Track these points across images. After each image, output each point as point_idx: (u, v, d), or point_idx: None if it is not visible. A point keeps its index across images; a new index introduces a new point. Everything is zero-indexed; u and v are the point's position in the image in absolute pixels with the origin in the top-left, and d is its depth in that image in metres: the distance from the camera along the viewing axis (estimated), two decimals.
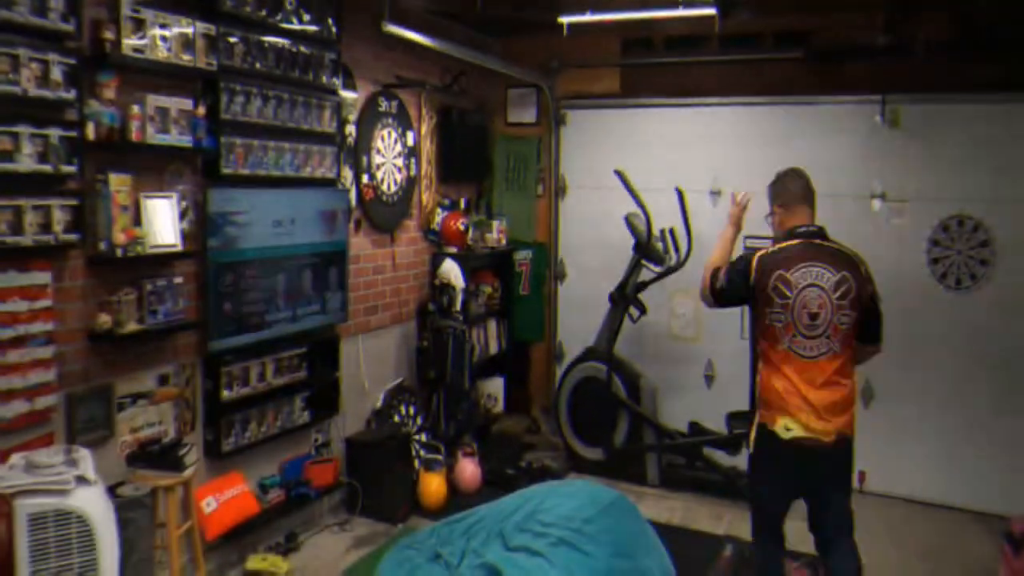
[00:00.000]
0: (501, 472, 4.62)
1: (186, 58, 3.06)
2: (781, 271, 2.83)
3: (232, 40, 3.32)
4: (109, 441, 2.97)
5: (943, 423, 4.51)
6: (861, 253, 2.96)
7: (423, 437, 4.62)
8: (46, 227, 2.65)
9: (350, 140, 4.20)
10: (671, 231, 4.73)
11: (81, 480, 2.39)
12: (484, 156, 5.50)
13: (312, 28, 3.75)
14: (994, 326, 4.39)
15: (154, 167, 3.10)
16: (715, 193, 4.98)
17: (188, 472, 2.94)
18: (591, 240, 5.37)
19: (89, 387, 2.89)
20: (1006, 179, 4.34)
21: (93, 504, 2.38)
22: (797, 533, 4.02)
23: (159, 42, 2.94)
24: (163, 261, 3.10)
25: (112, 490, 2.77)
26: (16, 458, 2.45)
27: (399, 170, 4.59)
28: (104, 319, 2.87)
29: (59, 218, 2.68)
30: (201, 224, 3.27)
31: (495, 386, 5.32)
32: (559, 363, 5.51)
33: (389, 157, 4.51)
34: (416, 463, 4.37)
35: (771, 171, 4.94)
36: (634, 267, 4.74)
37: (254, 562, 3.51)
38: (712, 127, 4.98)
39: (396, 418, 4.48)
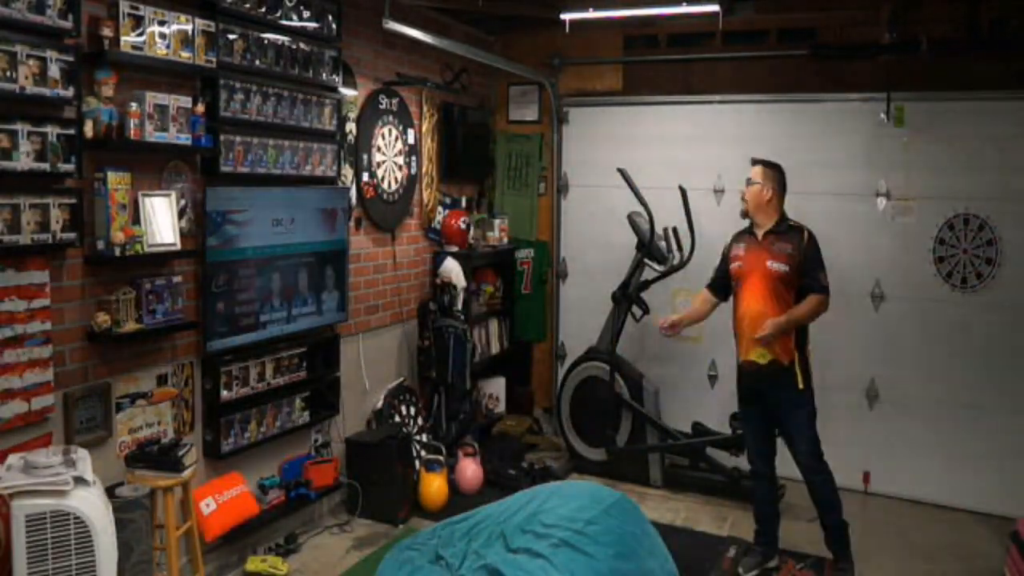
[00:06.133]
0: (502, 473, 4.59)
1: (185, 55, 3.04)
2: None
3: (231, 37, 3.30)
4: (107, 441, 2.95)
5: (948, 424, 4.48)
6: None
7: (424, 437, 4.60)
8: (44, 226, 2.63)
9: (350, 138, 4.18)
10: (674, 230, 4.70)
11: (79, 481, 2.38)
12: (485, 154, 5.48)
13: (312, 25, 3.72)
14: (1000, 325, 4.36)
15: (152, 165, 3.08)
16: (719, 191, 4.95)
17: (187, 473, 2.92)
18: (593, 239, 5.35)
19: (87, 387, 2.88)
20: (1012, 178, 4.31)
21: (91, 505, 2.37)
22: (799, 532, 4.01)
23: (158, 39, 2.92)
24: (161, 260, 3.08)
25: (110, 491, 2.75)
26: (14, 459, 2.44)
27: (400, 168, 4.57)
28: (102, 319, 2.85)
29: (57, 217, 2.66)
30: (200, 223, 3.25)
31: (496, 386, 5.31)
32: (561, 363, 5.49)
33: (390, 155, 4.48)
34: (417, 463, 4.35)
35: None
36: (637, 266, 4.71)
37: (254, 563, 3.49)
38: (715, 125, 4.95)
39: (396, 418, 4.46)
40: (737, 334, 3.60)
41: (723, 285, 3.74)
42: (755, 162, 3.64)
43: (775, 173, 3.57)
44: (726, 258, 3.69)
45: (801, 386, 3.46)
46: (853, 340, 4.64)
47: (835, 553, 3.56)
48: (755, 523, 3.76)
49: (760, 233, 3.54)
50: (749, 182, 3.58)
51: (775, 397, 3.51)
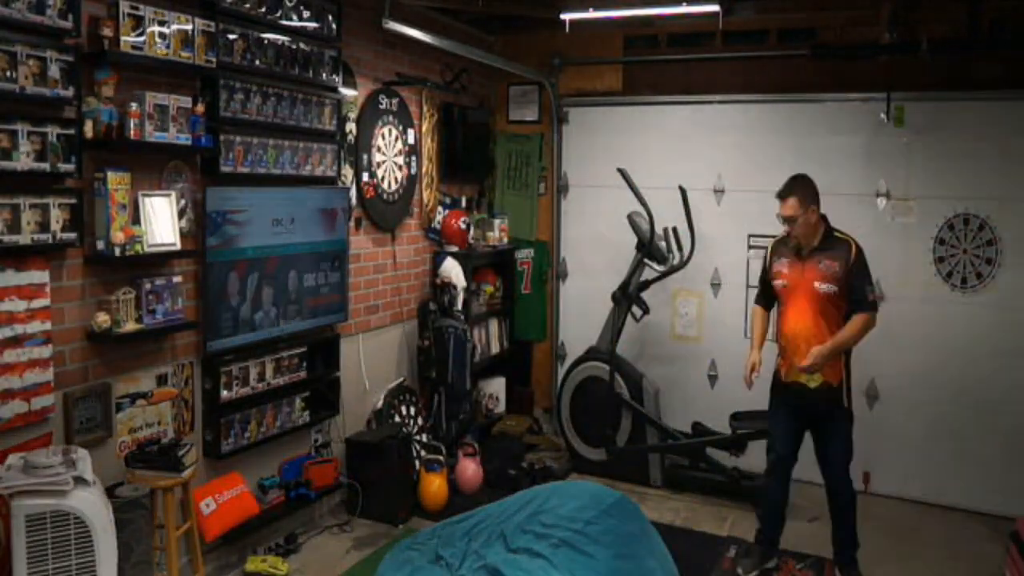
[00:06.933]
0: (502, 473, 4.59)
1: (185, 55, 3.04)
2: None
3: (231, 37, 3.30)
4: (107, 441, 2.95)
5: (948, 424, 4.48)
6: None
7: (424, 437, 4.60)
8: (44, 226, 2.63)
9: (350, 138, 4.18)
10: (674, 230, 4.70)
11: (79, 481, 2.38)
12: (485, 154, 5.47)
13: (312, 25, 3.72)
14: (1000, 325, 4.36)
15: (152, 165, 3.08)
16: (719, 191, 4.95)
17: (187, 473, 2.92)
18: (593, 239, 5.35)
19: (87, 387, 2.88)
20: (1012, 178, 4.31)
21: (91, 505, 2.37)
22: (799, 532, 4.01)
23: (157, 39, 2.92)
24: (162, 260, 3.09)
25: (110, 491, 2.75)
26: (14, 458, 2.44)
27: (400, 168, 4.57)
28: (102, 319, 2.85)
29: (57, 217, 2.67)
30: (200, 223, 3.25)
31: (496, 386, 5.30)
32: (561, 363, 5.49)
33: (390, 155, 4.49)
34: (417, 464, 4.35)
35: (774, 169, 4.92)
36: (637, 266, 4.71)
37: (254, 563, 3.49)
38: (715, 125, 4.95)
39: (396, 418, 4.46)
40: (783, 351, 3.46)
41: (770, 298, 3.60)
42: (784, 196, 3.36)
43: (807, 191, 3.35)
44: (767, 271, 3.54)
45: (846, 404, 3.41)
46: None
47: (842, 569, 3.52)
48: (758, 521, 3.75)
49: (805, 250, 3.38)
50: (791, 220, 3.33)
51: (819, 413, 3.44)
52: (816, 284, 3.31)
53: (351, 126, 4.18)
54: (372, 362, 4.43)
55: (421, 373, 4.76)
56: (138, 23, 2.84)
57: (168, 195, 3.08)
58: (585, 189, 5.40)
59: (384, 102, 4.41)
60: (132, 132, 2.84)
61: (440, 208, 4.98)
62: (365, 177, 4.27)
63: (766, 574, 3.62)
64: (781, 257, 3.45)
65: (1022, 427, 4.32)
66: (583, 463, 4.83)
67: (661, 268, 4.68)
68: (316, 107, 3.79)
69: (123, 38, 2.79)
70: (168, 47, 2.96)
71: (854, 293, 3.29)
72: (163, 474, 2.87)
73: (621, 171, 4.64)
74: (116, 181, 2.84)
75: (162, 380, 3.19)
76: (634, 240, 4.73)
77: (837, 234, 3.38)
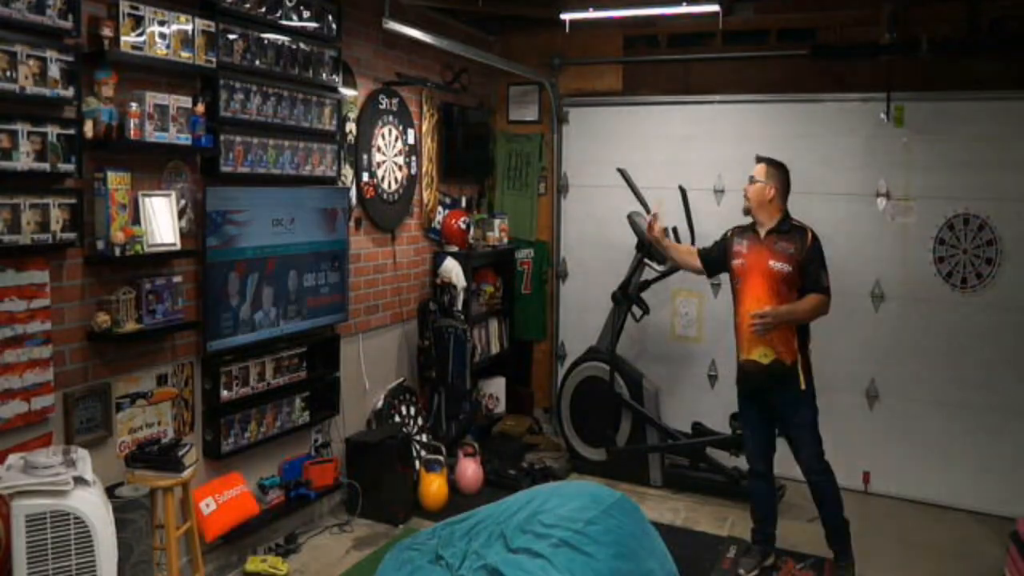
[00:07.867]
0: (502, 473, 4.59)
1: (185, 55, 3.04)
2: None
3: (231, 37, 3.30)
4: (107, 441, 2.95)
5: (948, 424, 4.48)
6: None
7: (424, 437, 4.60)
8: (44, 226, 2.63)
9: (350, 138, 4.18)
10: (674, 230, 4.70)
11: (79, 481, 2.38)
12: (485, 154, 5.48)
13: (312, 25, 3.73)
14: (1000, 326, 4.36)
15: (152, 165, 3.08)
16: (719, 191, 4.95)
17: (187, 473, 2.91)
18: (593, 239, 5.35)
19: (87, 387, 2.88)
20: (1012, 178, 4.31)
21: (91, 505, 2.37)
22: (799, 532, 4.01)
23: (157, 39, 2.92)
24: (162, 260, 3.09)
25: (110, 491, 2.75)
26: (14, 458, 2.44)
27: (400, 168, 4.57)
28: (102, 319, 2.85)
29: (57, 217, 2.66)
30: (200, 223, 3.25)
31: (496, 386, 5.30)
32: (561, 363, 5.49)
33: (390, 155, 4.49)
34: (417, 464, 4.35)
35: None
36: (637, 266, 4.71)
37: (254, 563, 3.49)
38: (715, 125, 4.95)
39: (396, 418, 4.46)
40: (738, 333, 3.56)
41: (711, 261, 3.74)
42: (759, 159, 3.62)
43: (778, 171, 3.54)
44: (725, 249, 3.65)
45: (804, 386, 3.43)
46: (853, 340, 4.64)
47: (836, 551, 3.56)
48: (752, 521, 3.76)
49: (762, 232, 3.51)
50: (752, 180, 3.55)
51: (777, 397, 3.49)
52: (771, 263, 3.43)
53: (351, 126, 4.18)
54: (372, 362, 4.43)
55: (421, 373, 4.76)
56: (138, 23, 2.84)
57: (168, 195, 3.08)
58: (585, 189, 5.40)
59: (384, 102, 4.41)
60: (132, 132, 2.84)
61: (440, 208, 4.98)
62: (365, 177, 4.27)
63: (766, 572, 3.63)
64: (743, 239, 3.58)
65: (1022, 427, 4.32)
66: (583, 463, 4.83)
67: (661, 268, 4.68)
68: (316, 107, 3.79)
69: (123, 38, 2.79)
70: (168, 47, 2.96)
71: (808, 277, 3.41)
72: (163, 474, 2.87)
73: (621, 171, 4.64)
74: (116, 181, 2.84)
75: (162, 380, 3.19)
76: (634, 240, 4.73)
77: (795, 222, 3.52)
